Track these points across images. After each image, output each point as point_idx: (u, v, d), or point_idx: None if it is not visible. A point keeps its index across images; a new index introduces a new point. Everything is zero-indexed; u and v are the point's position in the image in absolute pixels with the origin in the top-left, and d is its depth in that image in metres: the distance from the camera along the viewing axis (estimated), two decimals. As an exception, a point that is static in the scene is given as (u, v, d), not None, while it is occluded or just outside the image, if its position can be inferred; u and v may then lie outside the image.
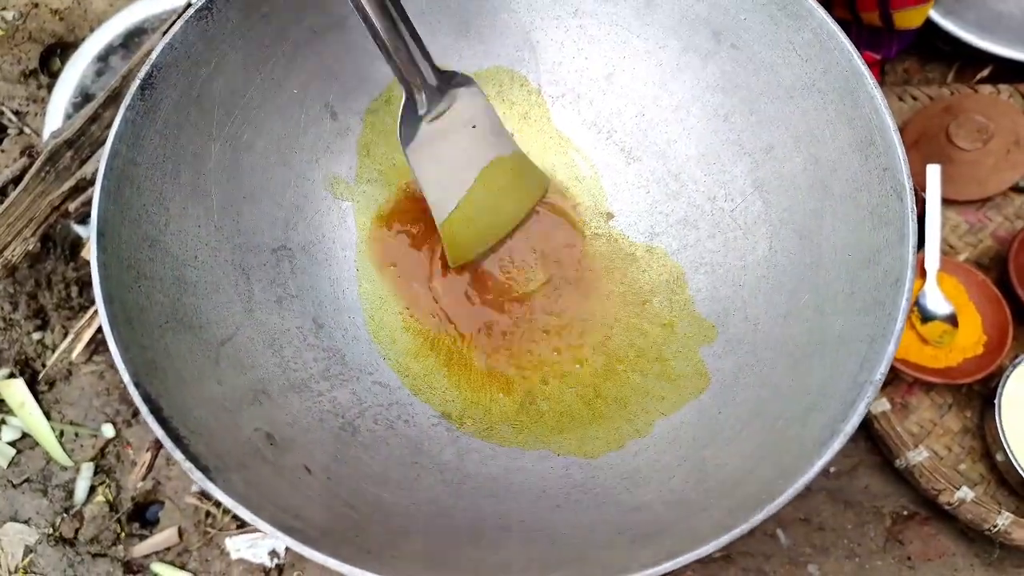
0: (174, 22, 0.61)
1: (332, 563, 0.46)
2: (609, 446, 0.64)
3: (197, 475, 0.48)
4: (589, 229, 0.75)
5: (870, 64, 0.95)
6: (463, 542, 0.54)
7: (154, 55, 0.58)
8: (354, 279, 0.71)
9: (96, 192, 0.54)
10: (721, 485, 0.54)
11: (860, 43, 0.95)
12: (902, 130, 0.95)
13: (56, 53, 1.03)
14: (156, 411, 0.49)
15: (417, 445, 0.63)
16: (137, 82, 0.58)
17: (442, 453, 0.63)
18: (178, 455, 0.48)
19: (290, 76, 0.68)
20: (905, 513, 0.83)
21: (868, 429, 0.84)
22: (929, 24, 0.96)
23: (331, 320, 0.69)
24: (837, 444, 0.49)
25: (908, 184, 0.55)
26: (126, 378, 0.50)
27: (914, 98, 0.97)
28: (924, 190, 0.87)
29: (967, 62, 1.02)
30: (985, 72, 1.01)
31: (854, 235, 0.58)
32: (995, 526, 0.75)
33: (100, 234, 0.54)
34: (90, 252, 0.53)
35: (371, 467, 0.59)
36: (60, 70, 0.97)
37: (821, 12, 0.60)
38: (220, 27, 0.62)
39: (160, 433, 0.49)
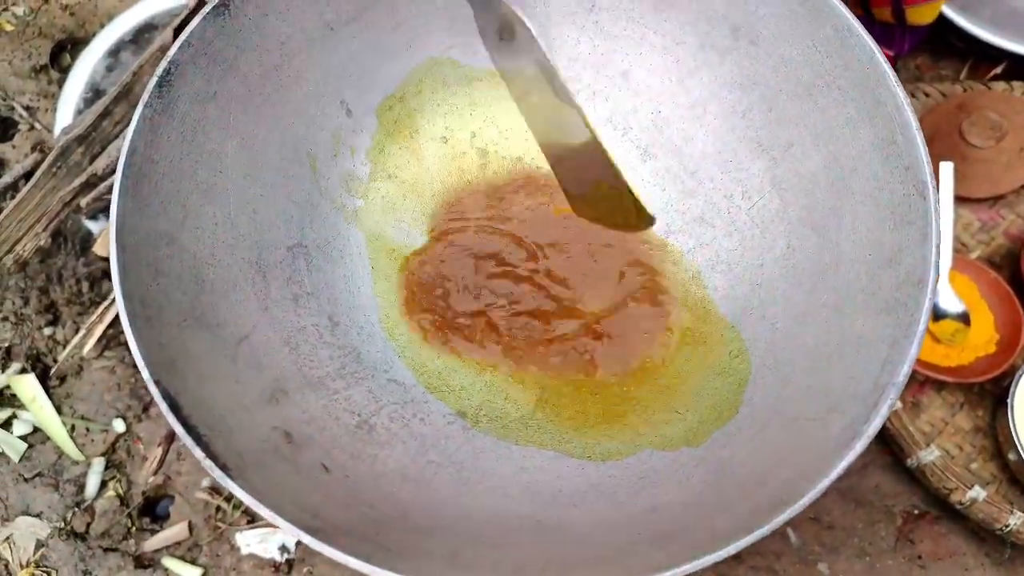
0: (189, 18, 0.61)
1: (354, 563, 0.45)
2: (626, 447, 0.64)
3: (217, 473, 0.48)
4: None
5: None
6: (481, 541, 0.54)
7: (172, 51, 0.58)
8: (369, 276, 0.71)
9: (115, 189, 0.54)
10: (740, 487, 0.54)
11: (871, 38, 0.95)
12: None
13: (67, 48, 1.03)
14: (176, 409, 0.49)
15: (433, 443, 0.63)
16: (155, 79, 0.57)
17: (458, 452, 0.63)
18: (198, 453, 0.48)
19: (307, 73, 0.68)
20: (916, 512, 0.83)
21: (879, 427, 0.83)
22: (943, 20, 0.95)
23: (346, 318, 0.68)
24: (859, 446, 0.49)
25: (931, 182, 0.54)
26: (146, 375, 0.50)
27: (926, 95, 0.97)
28: (936, 188, 0.87)
29: (980, 59, 1.01)
30: (999, 69, 1.00)
31: (875, 234, 0.58)
32: (1007, 526, 0.75)
33: (119, 231, 0.54)
34: (109, 249, 0.53)
35: (388, 465, 0.59)
36: (70, 65, 0.97)
37: (842, 8, 0.59)
38: (237, 24, 0.62)
39: (180, 431, 0.48)
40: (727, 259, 0.70)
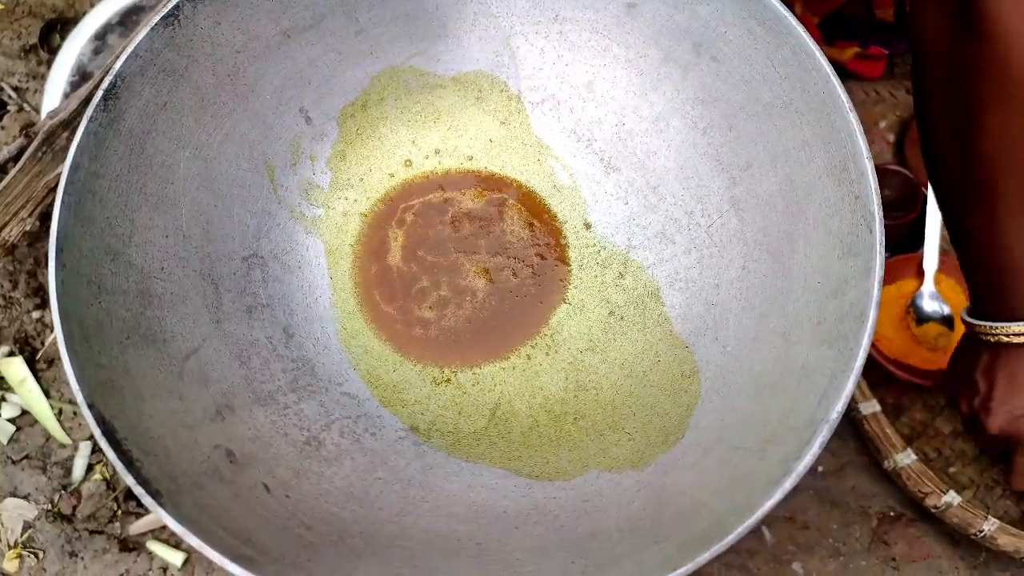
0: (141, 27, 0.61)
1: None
2: (575, 467, 0.63)
3: (148, 500, 0.48)
4: (567, 238, 0.74)
5: (877, 57, 0.93)
6: (417, 567, 0.54)
7: (118, 64, 0.58)
8: (327, 287, 0.71)
9: (56, 207, 0.54)
10: (676, 516, 0.54)
11: (870, 37, 0.92)
12: (907, 124, 0.93)
13: (56, 28, 1.03)
14: (109, 433, 0.49)
15: (383, 460, 0.63)
16: (100, 93, 0.57)
17: (407, 468, 0.63)
18: (129, 480, 0.48)
19: (263, 81, 0.67)
20: (891, 514, 0.83)
21: (858, 429, 0.83)
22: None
23: (302, 329, 0.68)
24: (789, 484, 0.48)
25: (879, 215, 0.53)
26: (80, 399, 0.50)
27: (921, 92, 0.94)
28: (926, 187, 0.85)
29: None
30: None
31: (824, 262, 0.57)
32: (981, 531, 0.75)
33: (59, 250, 0.53)
34: (48, 269, 0.53)
35: (333, 483, 0.59)
36: (59, 46, 0.97)
37: (800, 30, 0.58)
38: (188, 33, 0.61)
39: (112, 456, 0.49)
40: (685, 276, 0.69)
